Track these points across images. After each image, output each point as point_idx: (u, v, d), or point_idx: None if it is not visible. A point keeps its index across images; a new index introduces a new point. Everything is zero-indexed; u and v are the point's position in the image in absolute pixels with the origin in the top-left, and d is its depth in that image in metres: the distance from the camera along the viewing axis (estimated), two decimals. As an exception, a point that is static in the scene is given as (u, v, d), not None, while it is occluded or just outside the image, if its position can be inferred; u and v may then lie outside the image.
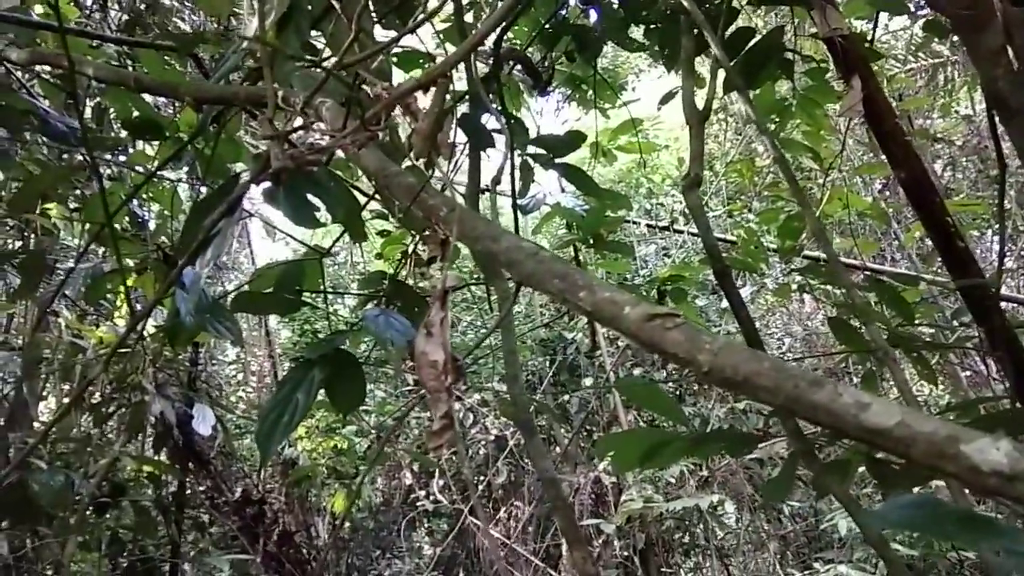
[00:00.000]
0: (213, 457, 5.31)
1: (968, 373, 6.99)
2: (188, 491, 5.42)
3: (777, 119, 2.50)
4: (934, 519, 0.48)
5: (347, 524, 7.32)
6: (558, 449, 7.80)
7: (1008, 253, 7.17)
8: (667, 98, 3.33)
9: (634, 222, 7.65)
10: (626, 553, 6.26)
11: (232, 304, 1.58)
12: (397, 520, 7.96)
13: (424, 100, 0.98)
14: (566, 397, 8.22)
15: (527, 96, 3.62)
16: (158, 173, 2.83)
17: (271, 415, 1.14)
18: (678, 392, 7.78)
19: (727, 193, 8.16)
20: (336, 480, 6.45)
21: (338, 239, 2.19)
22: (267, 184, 1.17)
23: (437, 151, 1.80)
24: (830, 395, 0.52)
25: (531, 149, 2.50)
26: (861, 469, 1.80)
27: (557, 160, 2.50)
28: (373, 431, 7.35)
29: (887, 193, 6.33)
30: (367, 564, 7.79)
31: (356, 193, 2.09)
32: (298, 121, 1.17)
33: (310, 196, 1.12)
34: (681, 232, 7.10)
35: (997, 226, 6.62)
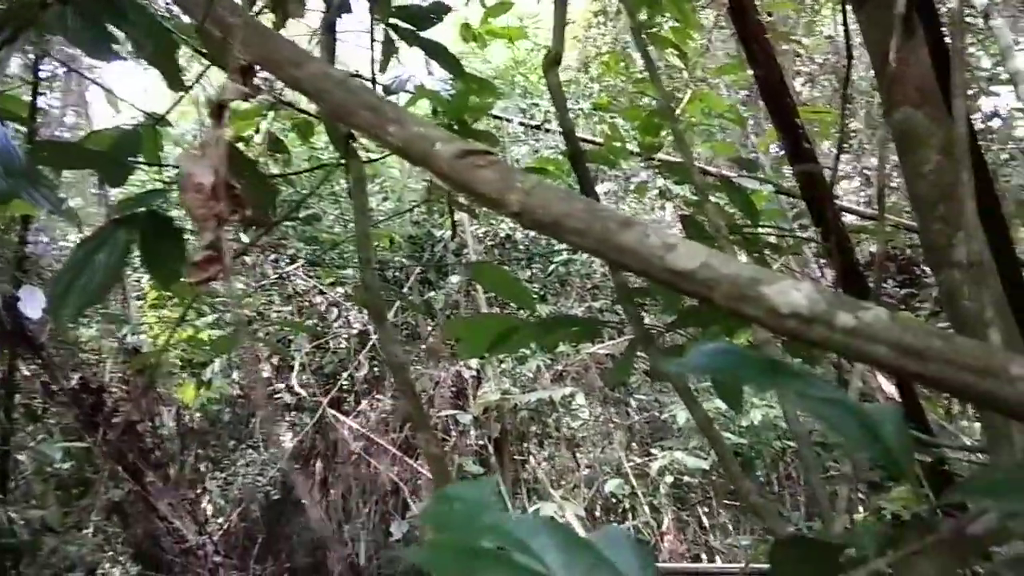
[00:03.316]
0: (46, 343, 4.94)
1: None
2: (19, 379, 5.05)
3: (648, 10, 2.45)
4: (735, 364, 0.47)
5: (199, 415, 7.13)
6: (423, 344, 7.86)
7: (853, 172, 7.65)
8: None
9: (507, 120, 7.55)
10: (482, 442, 6.47)
11: (34, 155, 1.38)
12: (255, 412, 7.84)
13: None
14: (432, 293, 8.22)
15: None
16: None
17: (64, 277, 1.01)
18: (541, 292, 7.94)
19: (599, 99, 8.15)
20: (186, 370, 6.21)
21: (174, 106, 1.98)
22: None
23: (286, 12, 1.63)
24: (638, 236, 0.49)
25: (396, 25, 2.35)
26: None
27: (422, 36, 2.37)
28: (230, 323, 7.08)
29: (748, 104, 6.53)
30: (221, 455, 7.67)
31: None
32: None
33: (110, 27, 0.97)
34: (552, 132, 7.07)
35: (847, 144, 7.01)
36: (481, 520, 0.39)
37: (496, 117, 6.86)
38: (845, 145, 6.92)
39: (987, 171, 1.90)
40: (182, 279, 1.31)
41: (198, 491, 6.61)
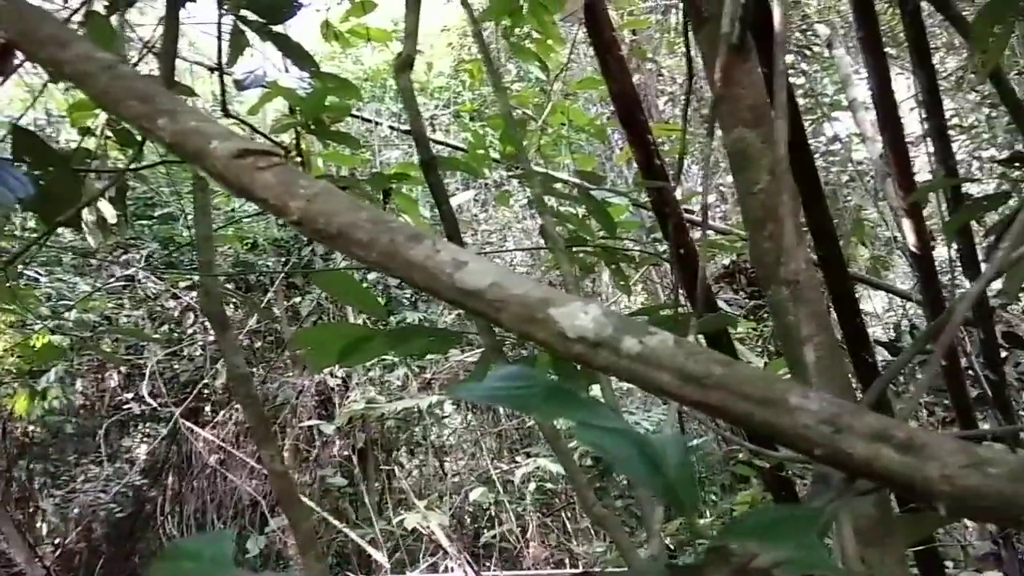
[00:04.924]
0: None
1: (668, 291, 7.83)
2: None
3: (509, 19, 2.46)
4: (520, 391, 0.44)
5: (36, 428, 6.56)
6: (286, 352, 7.58)
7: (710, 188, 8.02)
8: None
9: (377, 123, 7.41)
10: (347, 453, 6.30)
11: None
12: (102, 424, 7.30)
13: None
14: (298, 299, 7.95)
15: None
16: None
17: None
18: (412, 299, 7.84)
19: (464, 105, 8.16)
20: (17, 379, 5.69)
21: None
22: None
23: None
24: (427, 252, 0.45)
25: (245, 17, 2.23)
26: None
27: (274, 30, 2.27)
28: (73, 329, 6.54)
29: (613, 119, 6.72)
30: (62, 470, 7.09)
31: None
32: None
33: None
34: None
35: (702, 162, 7.35)
36: (214, 579, 0.34)
37: (366, 120, 6.72)
38: (701, 163, 7.25)
39: (820, 191, 2.00)
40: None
41: (31, 510, 6.07)
